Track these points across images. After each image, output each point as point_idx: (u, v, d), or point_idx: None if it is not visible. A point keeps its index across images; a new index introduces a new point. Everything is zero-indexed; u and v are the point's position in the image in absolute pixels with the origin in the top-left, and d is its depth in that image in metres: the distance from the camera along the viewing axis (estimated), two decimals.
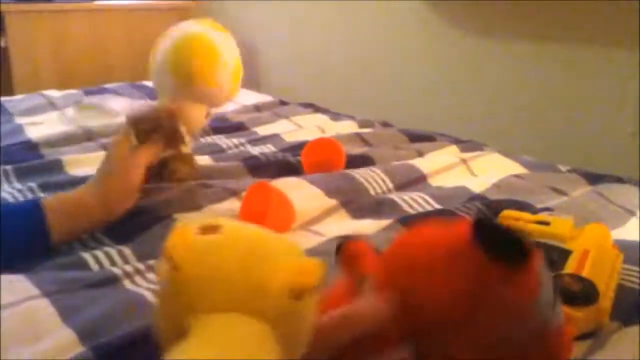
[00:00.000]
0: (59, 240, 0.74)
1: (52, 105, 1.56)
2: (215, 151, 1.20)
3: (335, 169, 1.06)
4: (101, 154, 1.11)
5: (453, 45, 1.84)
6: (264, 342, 0.38)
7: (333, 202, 0.91)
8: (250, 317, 0.38)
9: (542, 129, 1.65)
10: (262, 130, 1.39)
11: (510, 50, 1.69)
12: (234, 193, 0.90)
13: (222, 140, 1.28)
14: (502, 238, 0.41)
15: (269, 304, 0.38)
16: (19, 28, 2.30)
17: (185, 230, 0.40)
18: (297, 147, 1.18)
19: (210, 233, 0.40)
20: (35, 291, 0.62)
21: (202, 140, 1.26)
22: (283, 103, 1.71)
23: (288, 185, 0.92)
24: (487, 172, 1.11)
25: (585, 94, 1.53)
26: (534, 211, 0.87)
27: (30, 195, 0.88)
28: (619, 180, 1.08)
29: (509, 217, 0.77)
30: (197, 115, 0.94)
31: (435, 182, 1.05)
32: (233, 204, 0.87)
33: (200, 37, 0.93)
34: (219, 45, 0.93)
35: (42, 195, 0.89)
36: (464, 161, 1.15)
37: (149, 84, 1.87)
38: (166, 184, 0.89)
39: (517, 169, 1.15)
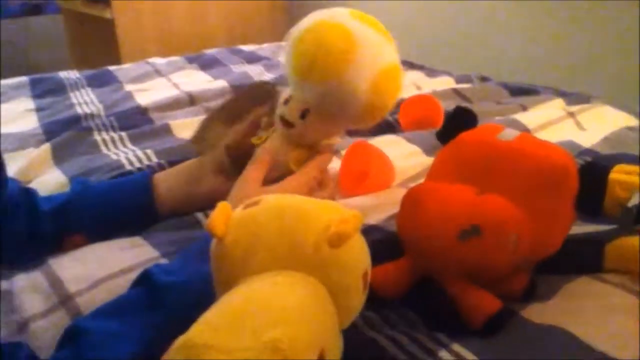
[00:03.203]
0: (166, 213, 0.75)
1: (157, 72, 1.63)
2: None
3: (433, 126, 1.04)
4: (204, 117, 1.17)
5: None
6: (307, 286, 0.41)
7: (431, 160, 0.90)
8: (294, 271, 0.41)
9: None
10: None
11: None
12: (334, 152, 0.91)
13: None
14: None
15: (309, 256, 0.42)
16: (124, 0, 2.41)
17: (224, 206, 0.44)
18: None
19: (251, 207, 0.45)
20: (155, 253, 0.66)
21: None
22: None
23: (386, 143, 0.92)
24: (596, 125, 1.05)
25: None
26: None
27: (146, 160, 0.94)
28: None
29: (622, 171, 0.73)
30: (323, 127, 0.69)
31: (541, 136, 1.00)
32: (332, 163, 0.88)
33: (334, 26, 0.63)
34: (357, 39, 0.63)
35: (156, 160, 0.93)
36: (571, 114, 1.09)
37: (245, 48, 1.92)
38: None
39: (630, 121, 1.08)
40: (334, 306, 0.42)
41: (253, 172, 0.67)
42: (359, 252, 0.44)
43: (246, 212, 0.45)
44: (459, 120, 0.66)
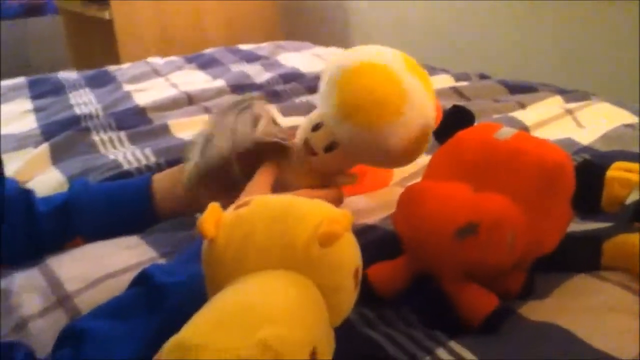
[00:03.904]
0: (167, 215, 0.75)
1: (155, 72, 1.63)
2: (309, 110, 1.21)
3: None
4: (203, 117, 1.17)
5: None
6: (298, 285, 0.41)
7: (429, 158, 0.90)
8: (285, 271, 0.42)
9: None
10: None
11: None
12: None
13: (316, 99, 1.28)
14: None
15: (299, 256, 0.42)
16: (122, 0, 2.41)
17: (215, 207, 0.44)
18: None
19: (242, 207, 0.45)
20: (153, 253, 0.66)
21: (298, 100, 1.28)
22: None
23: None
24: (595, 123, 1.05)
25: None
26: None
27: (144, 160, 0.93)
28: None
29: (621, 169, 0.73)
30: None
31: (539, 134, 1.01)
32: None
33: (389, 77, 0.62)
34: (408, 97, 0.62)
35: (154, 159, 0.93)
36: (569, 112, 1.09)
37: (244, 47, 1.92)
38: None
39: (628, 118, 1.08)
40: (325, 304, 0.42)
41: (262, 177, 0.67)
42: (349, 250, 0.44)
43: (237, 213, 0.45)
44: (456, 119, 0.66)
